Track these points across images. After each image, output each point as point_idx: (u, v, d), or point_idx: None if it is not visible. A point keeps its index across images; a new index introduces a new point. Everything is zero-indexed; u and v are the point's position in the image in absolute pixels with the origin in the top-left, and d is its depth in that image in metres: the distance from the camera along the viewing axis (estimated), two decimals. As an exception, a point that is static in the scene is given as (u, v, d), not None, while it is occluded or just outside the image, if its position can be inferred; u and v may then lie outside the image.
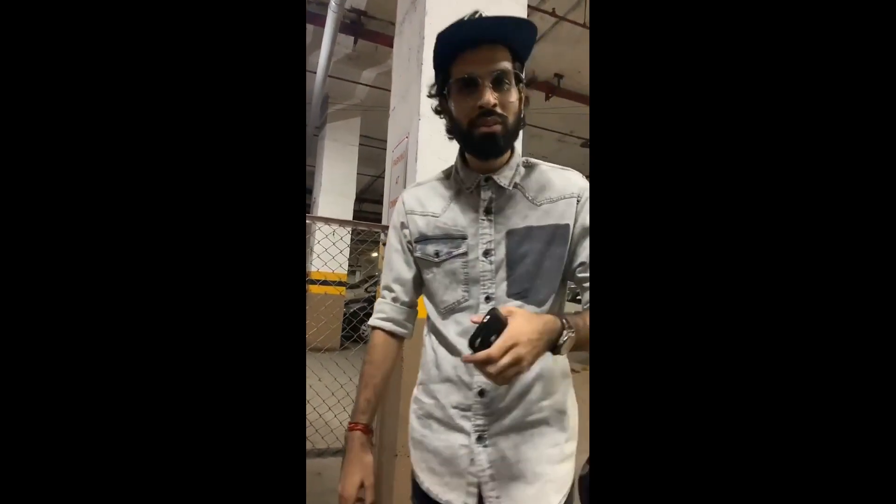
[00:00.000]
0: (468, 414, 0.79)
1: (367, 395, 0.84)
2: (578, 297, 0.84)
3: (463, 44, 0.74)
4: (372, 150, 7.26)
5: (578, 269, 0.80)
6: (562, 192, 0.80)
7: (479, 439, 0.78)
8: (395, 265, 0.89)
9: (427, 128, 1.60)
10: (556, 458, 0.80)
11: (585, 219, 0.79)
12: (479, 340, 0.62)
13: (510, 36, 0.74)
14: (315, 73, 4.40)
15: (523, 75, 0.78)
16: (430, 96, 0.84)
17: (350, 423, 0.84)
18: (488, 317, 0.63)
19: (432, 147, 1.60)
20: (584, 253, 0.79)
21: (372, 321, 0.90)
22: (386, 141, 1.98)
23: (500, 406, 0.78)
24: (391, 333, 0.89)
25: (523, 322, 0.63)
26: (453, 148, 1.74)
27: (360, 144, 6.49)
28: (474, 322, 0.63)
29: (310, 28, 4.16)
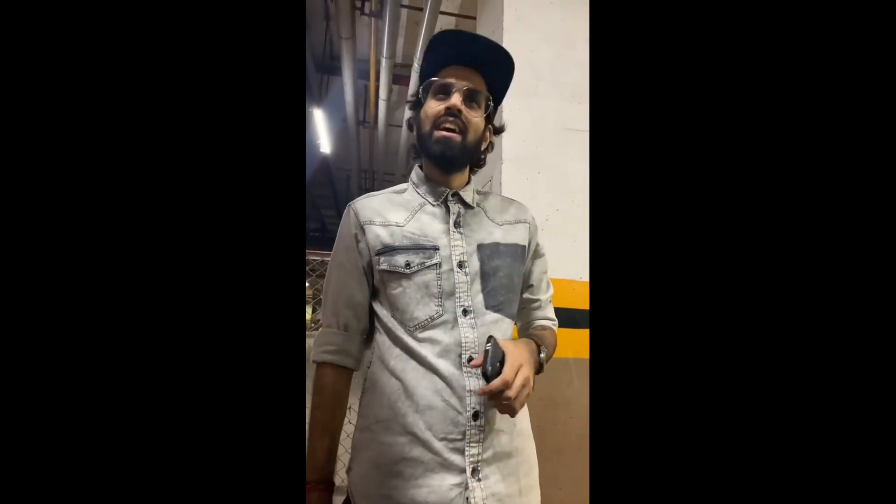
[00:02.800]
0: (460, 444, 0.69)
1: (326, 445, 0.74)
2: None
3: (450, 60, 0.81)
4: (487, 190, 7.48)
5: (527, 290, 0.87)
6: (517, 216, 0.87)
7: (474, 472, 0.69)
8: (346, 286, 0.79)
9: (509, 171, 1.67)
10: (532, 488, 0.76)
11: (535, 245, 0.87)
12: (490, 370, 0.62)
13: (491, 66, 0.81)
14: (401, 126, 4.74)
15: (495, 115, 0.85)
16: (410, 101, 0.87)
17: (308, 483, 0.72)
18: (490, 345, 0.64)
19: (515, 189, 1.66)
20: (532, 276, 0.87)
21: (317, 356, 0.78)
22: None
23: (493, 429, 0.71)
24: (342, 368, 0.78)
25: (514, 347, 0.68)
26: (535, 190, 1.78)
27: (443, 188, 6.74)
28: (476, 366, 0.65)
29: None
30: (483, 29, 2.02)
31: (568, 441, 1.59)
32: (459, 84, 0.79)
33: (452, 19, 3.49)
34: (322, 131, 5.56)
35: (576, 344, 1.64)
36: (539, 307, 0.89)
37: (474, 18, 2.22)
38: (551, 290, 0.92)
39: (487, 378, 0.63)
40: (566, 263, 1.67)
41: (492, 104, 0.83)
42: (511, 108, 1.70)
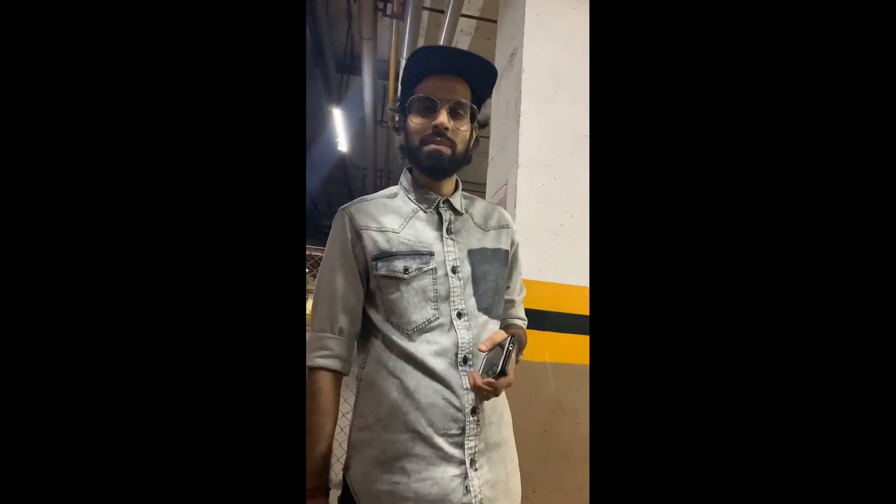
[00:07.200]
0: (460, 439, 0.74)
1: (323, 450, 0.76)
2: None
3: (431, 69, 0.82)
4: (471, 195, 7.52)
5: (506, 291, 0.92)
6: (500, 222, 0.91)
7: (472, 463, 0.74)
8: (340, 290, 0.80)
9: (525, 176, 1.68)
10: (515, 472, 0.82)
11: (515, 248, 0.93)
12: (499, 369, 0.70)
13: (473, 73, 0.83)
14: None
15: (479, 116, 0.86)
16: (393, 110, 0.88)
17: (308, 490, 0.73)
18: (490, 352, 0.73)
19: (530, 194, 1.67)
20: (510, 279, 0.93)
21: (314, 361, 0.78)
22: (483, 185, 2.09)
23: (486, 422, 0.77)
24: (336, 373, 0.79)
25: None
26: (550, 193, 1.78)
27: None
28: (481, 350, 0.73)
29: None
30: (504, 33, 2.03)
31: (574, 446, 1.59)
32: (444, 98, 0.80)
33: (473, 22, 3.50)
34: (340, 130, 5.61)
35: (586, 351, 1.64)
36: (513, 306, 0.96)
37: (495, 22, 2.23)
38: (524, 292, 0.98)
39: (497, 375, 0.69)
40: (578, 269, 1.67)
41: (477, 108, 0.85)
42: (528, 112, 1.71)
